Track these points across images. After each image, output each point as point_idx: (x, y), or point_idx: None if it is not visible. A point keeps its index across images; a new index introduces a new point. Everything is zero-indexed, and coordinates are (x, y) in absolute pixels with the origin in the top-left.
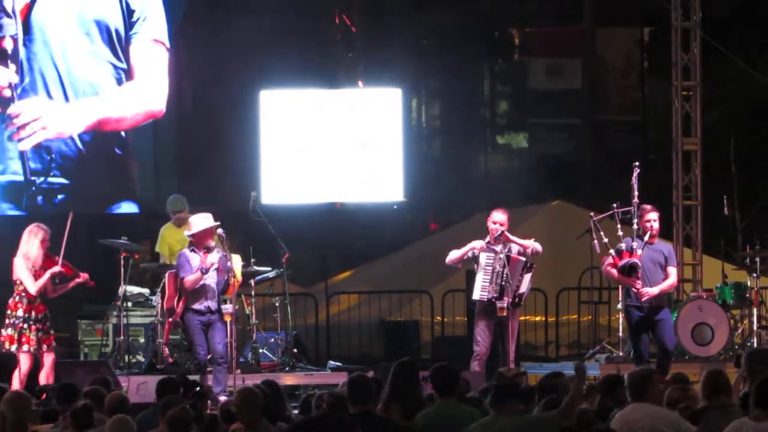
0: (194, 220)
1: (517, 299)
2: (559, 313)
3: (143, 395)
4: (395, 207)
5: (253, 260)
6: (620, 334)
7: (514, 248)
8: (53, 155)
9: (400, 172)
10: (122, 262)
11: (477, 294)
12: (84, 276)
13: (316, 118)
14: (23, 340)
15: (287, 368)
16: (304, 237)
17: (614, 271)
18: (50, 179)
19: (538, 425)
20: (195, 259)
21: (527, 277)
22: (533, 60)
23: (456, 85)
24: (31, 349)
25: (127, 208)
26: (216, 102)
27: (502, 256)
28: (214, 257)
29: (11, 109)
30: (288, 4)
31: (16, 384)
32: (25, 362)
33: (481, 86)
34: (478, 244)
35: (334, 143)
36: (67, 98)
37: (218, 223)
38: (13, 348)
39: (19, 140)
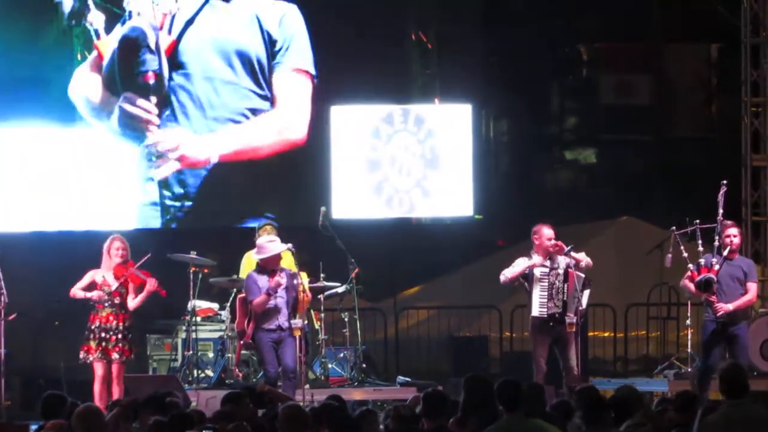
0: (264, 244)
1: (577, 315)
2: (628, 328)
3: (212, 410)
4: (476, 218)
5: (322, 275)
6: (689, 349)
7: (562, 262)
8: (191, 181)
9: (470, 188)
10: (191, 276)
11: (536, 310)
12: (152, 282)
13: (385, 133)
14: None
15: (356, 383)
16: (372, 252)
17: (691, 285)
18: (184, 203)
19: None
20: (262, 280)
21: (586, 293)
22: (602, 76)
23: (524, 101)
24: (90, 359)
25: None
26: None
27: (560, 270)
28: (280, 277)
29: (150, 139)
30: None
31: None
32: (96, 371)
33: (549, 102)
34: (530, 261)
35: (404, 158)
36: (206, 128)
37: (289, 245)
38: (89, 358)
39: (157, 168)
